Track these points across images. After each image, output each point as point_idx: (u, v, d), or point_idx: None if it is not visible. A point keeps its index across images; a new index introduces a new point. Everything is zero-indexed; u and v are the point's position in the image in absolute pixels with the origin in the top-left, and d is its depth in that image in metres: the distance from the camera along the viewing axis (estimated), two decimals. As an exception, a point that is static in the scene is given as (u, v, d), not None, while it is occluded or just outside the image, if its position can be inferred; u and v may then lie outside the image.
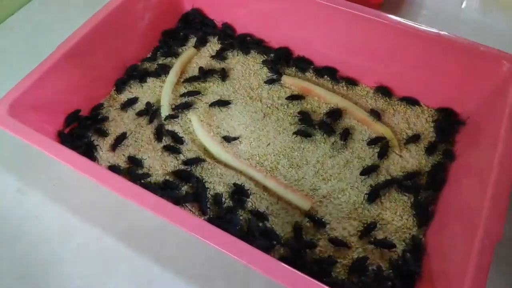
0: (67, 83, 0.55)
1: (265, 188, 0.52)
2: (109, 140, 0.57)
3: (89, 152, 0.54)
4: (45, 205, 0.53)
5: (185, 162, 0.54)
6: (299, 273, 0.36)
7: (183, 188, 0.52)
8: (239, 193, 0.51)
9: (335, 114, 0.58)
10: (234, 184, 0.52)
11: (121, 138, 0.56)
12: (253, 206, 0.50)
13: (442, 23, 0.70)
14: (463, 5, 0.66)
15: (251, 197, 0.51)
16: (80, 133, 0.56)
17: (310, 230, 0.49)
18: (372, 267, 0.46)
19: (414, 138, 0.55)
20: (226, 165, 0.54)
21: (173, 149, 0.55)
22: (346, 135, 0.56)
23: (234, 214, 0.49)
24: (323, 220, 0.49)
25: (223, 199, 0.51)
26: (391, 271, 0.46)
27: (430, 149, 0.54)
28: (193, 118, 0.57)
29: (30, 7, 0.76)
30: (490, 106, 0.51)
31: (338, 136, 0.56)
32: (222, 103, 0.59)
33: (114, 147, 0.55)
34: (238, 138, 0.56)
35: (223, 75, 0.62)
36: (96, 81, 0.59)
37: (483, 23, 0.70)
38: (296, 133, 0.56)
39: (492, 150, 0.44)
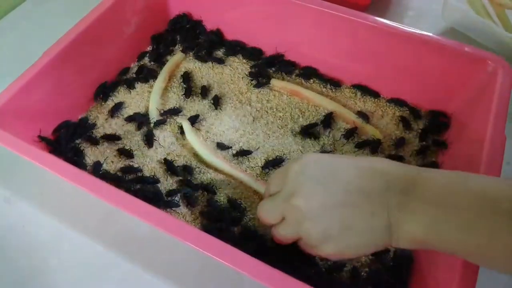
0: (53, 90, 0.54)
1: (255, 192, 0.52)
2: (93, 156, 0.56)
3: (77, 159, 0.54)
4: (32, 214, 0.52)
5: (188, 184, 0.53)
6: (294, 279, 0.35)
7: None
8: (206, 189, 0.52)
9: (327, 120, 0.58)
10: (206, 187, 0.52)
11: (97, 167, 0.53)
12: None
13: (428, 24, 0.71)
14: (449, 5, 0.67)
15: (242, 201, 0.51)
16: (68, 140, 0.55)
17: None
18: (365, 269, 0.46)
19: (401, 142, 0.55)
20: (216, 170, 0.54)
21: (127, 153, 0.55)
22: (350, 135, 0.56)
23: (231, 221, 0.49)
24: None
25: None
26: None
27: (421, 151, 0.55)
28: (184, 124, 0.57)
29: (18, 12, 0.75)
30: (476, 105, 0.52)
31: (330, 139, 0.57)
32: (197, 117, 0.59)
33: (95, 172, 0.53)
34: (231, 147, 0.56)
35: (216, 102, 0.60)
36: (83, 88, 0.59)
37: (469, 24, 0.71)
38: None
39: (479, 148, 0.45)
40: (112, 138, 0.56)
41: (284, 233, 0.39)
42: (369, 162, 0.37)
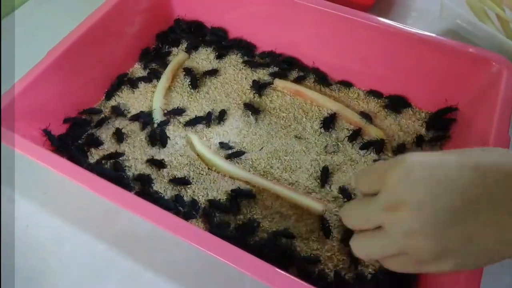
0: (57, 90, 0.54)
1: (260, 191, 0.52)
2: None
3: (81, 158, 0.54)
4: (36, 213, 0.52)
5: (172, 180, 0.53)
6: (297, 279, 0.35)
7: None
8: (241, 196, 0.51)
9: (328, 120, 0.58)
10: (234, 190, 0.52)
11: (99, 166, 0.53)
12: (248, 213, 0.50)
13: (432, 25, 0.71)
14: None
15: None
16: (72, 137, 0.56)
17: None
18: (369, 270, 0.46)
19: (401, 148, 0.55)
20: (231, 177, 0.53)
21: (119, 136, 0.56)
22: (355, 136, 0.56)
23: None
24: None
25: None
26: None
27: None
28: (193, 138, 0.56)
29: (21, 11, 0.76)
30: (480, 105, 0.52)
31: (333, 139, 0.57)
32: (197, 120, 0.58)
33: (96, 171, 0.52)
34: (234, 147, 0.56)
35: (220, 117, 0.59)
36: (86, 87, 0.59)
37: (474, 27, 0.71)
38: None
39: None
40: (95, 143, 0.56)
41: (380, 245, 0.33)
42: (488, 162, 0.31)
